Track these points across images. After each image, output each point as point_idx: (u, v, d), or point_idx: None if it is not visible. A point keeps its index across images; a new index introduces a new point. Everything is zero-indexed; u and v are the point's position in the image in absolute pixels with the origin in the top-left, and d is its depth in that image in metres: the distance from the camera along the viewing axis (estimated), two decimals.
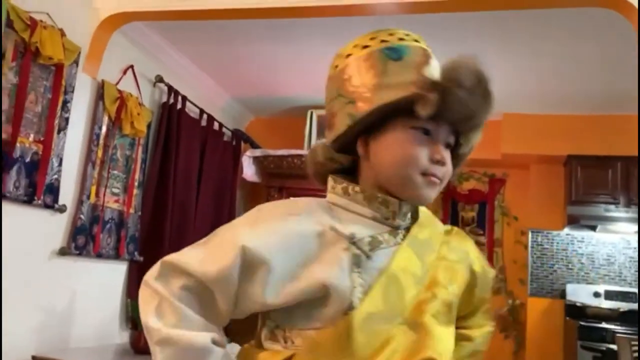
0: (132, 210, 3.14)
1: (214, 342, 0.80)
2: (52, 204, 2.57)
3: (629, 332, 3.35)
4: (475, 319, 1.02)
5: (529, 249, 4.21)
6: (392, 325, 0.82)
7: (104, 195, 2.90)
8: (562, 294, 4.07)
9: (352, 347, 0.78)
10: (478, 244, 4.40)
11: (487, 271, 1.00)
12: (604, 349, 3.47)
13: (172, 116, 3.44)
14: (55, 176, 2.59)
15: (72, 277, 2.77)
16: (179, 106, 3.50)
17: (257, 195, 4.39)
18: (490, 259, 4.39)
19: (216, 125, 3.98)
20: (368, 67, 0.89)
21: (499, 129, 4.05)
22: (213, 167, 3.92)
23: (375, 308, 0.80)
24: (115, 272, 3.11)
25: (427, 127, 0.87)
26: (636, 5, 2.18)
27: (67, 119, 2.64)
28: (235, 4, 2.62)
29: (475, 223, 4.48)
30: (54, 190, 2.58)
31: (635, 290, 3.91)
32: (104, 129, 2.91)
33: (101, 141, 2.90)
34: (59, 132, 2.60)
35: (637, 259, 4.01)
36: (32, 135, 2.46)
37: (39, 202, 2.49)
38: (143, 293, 0.84)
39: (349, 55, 0.93)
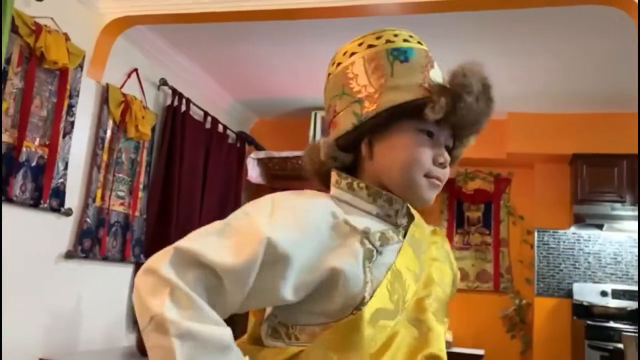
0: (137, 213, 3.15)
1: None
2: (58, 208, 2.59)
3: (636, 330, 3.33)
4: None
5: (535, 248, 4.19)
6: (395, 320, 0.83)
7: (110, 198, 2.91)
8: (569, 294, 4.05)
9: (362, 342, 0.78)
10: (484, 244, 4.42)
11: (457, 272, 1.04)
12: (612, 348, 3.45)
13: (176, 119, 3.44)
14: (61, 180, 2.60)
15: (79, 280, 2.78)
16: (183, 109, 3.51)
17: (262, 196, 4.39)
18: (496, 258, 4.38)
19: (220, 128, 3.99)
20: (374, 68, 0.90)
21: (503, 128, 4.04)
22: (218, 169, 3.93)
23: (382, 304, 0.81)
24: (121, 275, 3.12)
25: (431, 130, 0.88)
26: (636, 1, 2.17)
27: (72, 123, 2.66)
28: (239, 6, 2.63)
29: (481, 223, 4.47)
30: (59, 193, 2.60)
31: None
32: (108, 132, 2.93)
33: (106, 145, 2.91)
34: (64, 136, 2.61)
35: None
36: (37, 140, 2.47)
37: (45, 205, 2.50)
38: (146, 280, 0.75)
39: (353, 53, 0.93)
